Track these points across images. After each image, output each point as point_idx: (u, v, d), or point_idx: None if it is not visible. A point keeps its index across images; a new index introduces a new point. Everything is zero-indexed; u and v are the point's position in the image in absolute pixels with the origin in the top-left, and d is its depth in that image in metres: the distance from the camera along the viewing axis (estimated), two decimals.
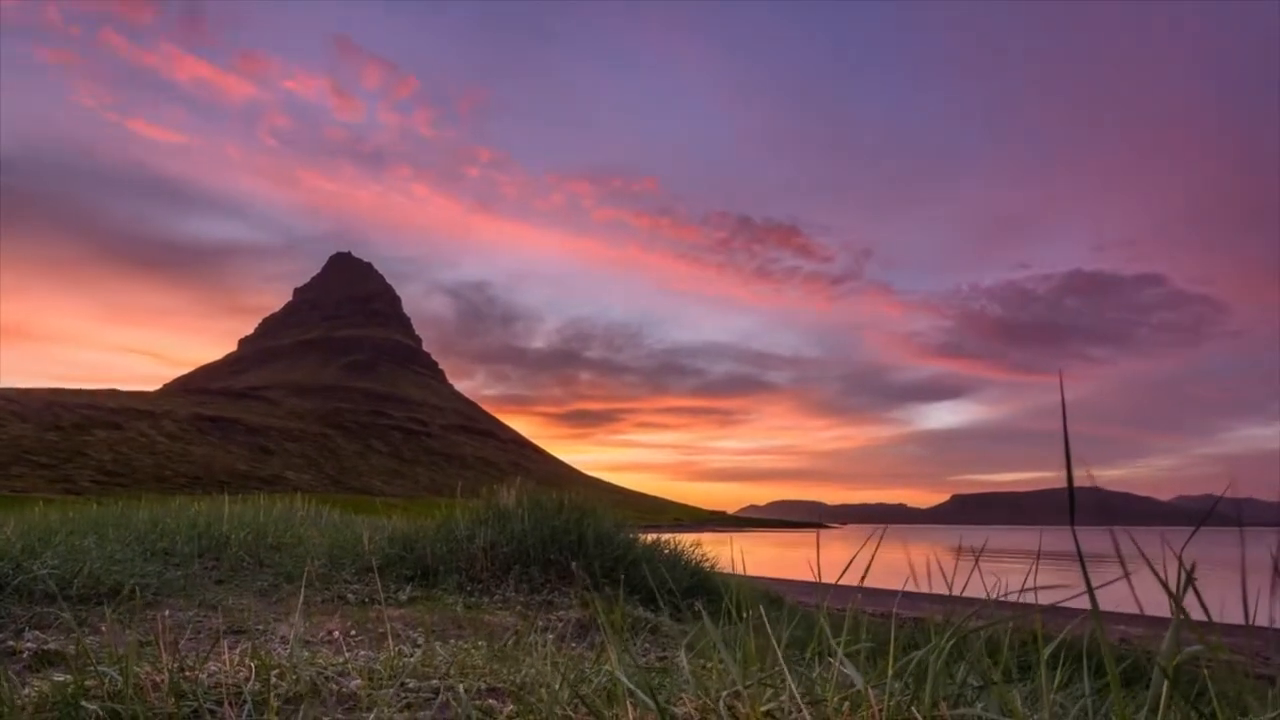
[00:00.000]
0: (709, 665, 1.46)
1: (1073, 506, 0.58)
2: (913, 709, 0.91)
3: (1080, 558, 0.66)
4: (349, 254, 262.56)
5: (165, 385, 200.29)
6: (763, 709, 0.99)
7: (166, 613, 3.03)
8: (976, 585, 1.33)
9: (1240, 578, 0.67)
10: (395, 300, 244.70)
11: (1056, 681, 0.97)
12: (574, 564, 4.11)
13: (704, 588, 4.28)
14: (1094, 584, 0.98)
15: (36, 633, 2.67)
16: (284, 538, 5.87)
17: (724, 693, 1.08)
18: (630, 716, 1.05)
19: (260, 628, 3.02)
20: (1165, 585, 0.69)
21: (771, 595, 4.42)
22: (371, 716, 1.30)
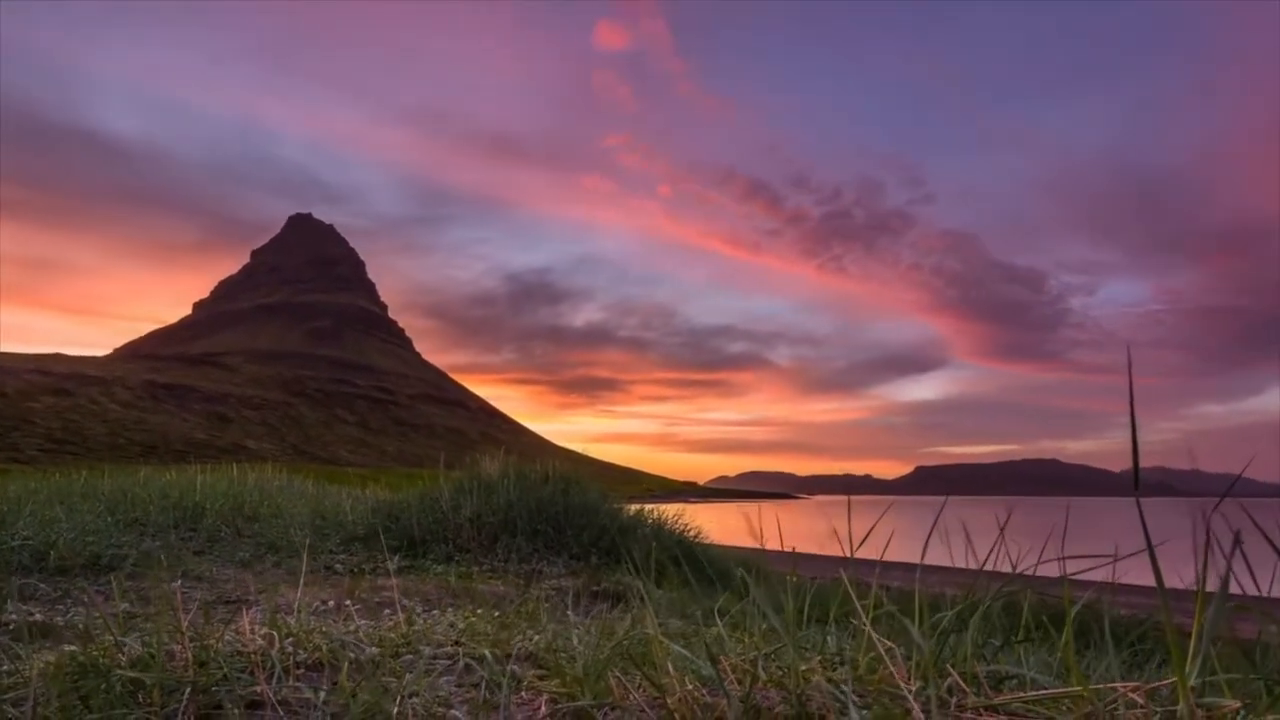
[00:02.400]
0: (735, 632, 1.52)
1: (1137, 480, 0.62)
2: (947, 665, 0.97)
3: (1145, 530, 0.71)
4: (309, 215, 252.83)
5: (115, 350, 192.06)
6: (802, 669, 1.04)
7: (179, 583, 2.99)
8: (959, 556, 1.40)
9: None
10: (359, 265, 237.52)
11: (1065, 639, 1.05)
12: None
13: (691, 557, 4.39)
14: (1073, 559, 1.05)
15: (18, 604, 2.61)
16: (261, 508, 5.77)
17: (760, 653, 1.13)
18: (672, 675, 1.09)
19: (250, 598, 2.99)
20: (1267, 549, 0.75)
21: (751, 564, 4.57)
22: (406, 681, 1.32)
